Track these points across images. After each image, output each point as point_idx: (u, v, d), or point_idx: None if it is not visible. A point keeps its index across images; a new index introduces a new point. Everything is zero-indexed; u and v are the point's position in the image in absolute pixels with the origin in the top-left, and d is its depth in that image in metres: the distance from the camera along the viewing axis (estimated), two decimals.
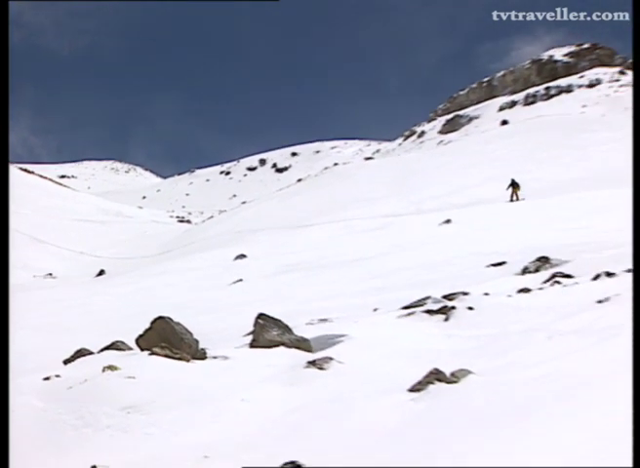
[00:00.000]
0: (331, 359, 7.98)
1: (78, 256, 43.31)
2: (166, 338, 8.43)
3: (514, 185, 35.36)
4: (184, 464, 5.74)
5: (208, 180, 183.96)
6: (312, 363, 7.89)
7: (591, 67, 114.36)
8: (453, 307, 10.61)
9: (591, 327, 8.04)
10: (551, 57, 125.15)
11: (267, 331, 9.13)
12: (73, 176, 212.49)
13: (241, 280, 22.21)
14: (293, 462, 5.23)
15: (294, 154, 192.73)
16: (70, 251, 44.37)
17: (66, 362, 8.90)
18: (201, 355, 8.40)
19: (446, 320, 10.26)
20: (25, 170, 79.95)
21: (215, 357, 8.40)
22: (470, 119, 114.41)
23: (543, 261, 14.86)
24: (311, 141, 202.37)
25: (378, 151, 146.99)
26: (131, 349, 9.04)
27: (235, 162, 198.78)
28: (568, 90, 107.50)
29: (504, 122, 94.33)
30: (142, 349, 8.59)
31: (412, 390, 6.52)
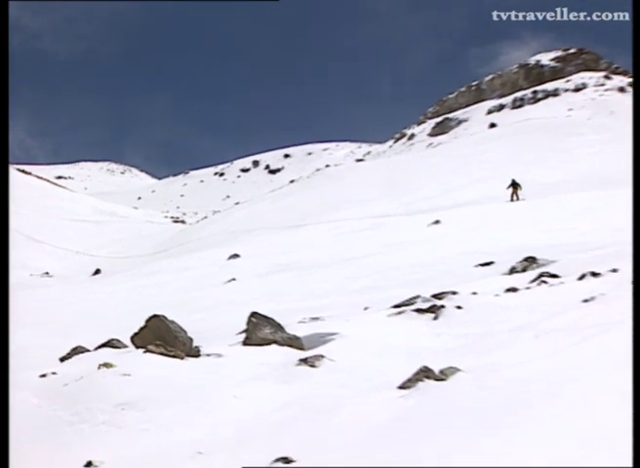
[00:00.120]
0: (322, 357, 7.99)
1: (74, 256, 43.23)
2: (161, 336, 8.43)
3: (515, 185, 35.28)
4: (178, 459, 5.74)
5: (202, 181, 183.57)
6: (304, 360, 7.89)
7: (577, 72, 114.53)
8: (442, 306, 10.62)
9: (577, 325, 8.05)
10: (538, 61, 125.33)
11: (260, 330, 9.13)
12: (70, 177, 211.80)
13: (234, 279, 22.19)
14: (284, 457, 5.23)
15: (286, 156, 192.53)
16: (67, 250, 44.29)
17: (63, 359, 8.89)
18: (195, 353, 8.39)
19: (435, 319, 10.26)
20: (23, 170, 79.69)
21: (208, 355, 8.39)
22: (459, 122, 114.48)
23: (530, 261, 14.88)
24: (304, 143, 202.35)
25: (368, 153, 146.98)
26: (126, 347, 9.03)
27: (229, 163, 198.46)
28: (554, 94, 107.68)
29: (493, 125, 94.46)
30: (137, 347, 8.58)
31: (401, 387, 6.53)
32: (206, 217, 73.88)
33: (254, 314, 9.45)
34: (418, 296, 11.53)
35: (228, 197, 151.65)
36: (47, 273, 39.23)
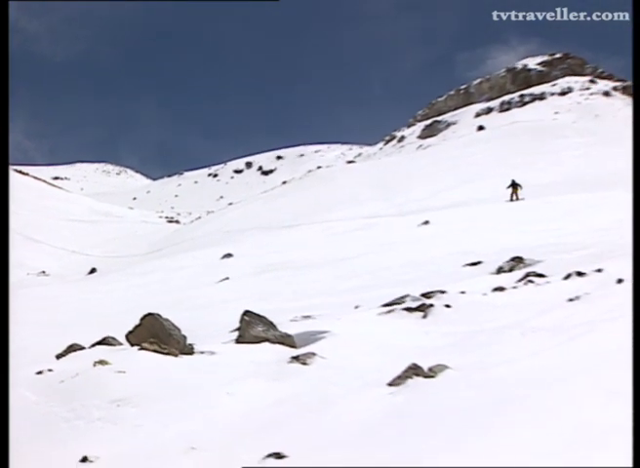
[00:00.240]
0: (314, 354, 7.99)
1: (71, 255, 43.12)
2: (155, 334, 8.42)
3: (515, 186, 35.23)
4: (172, 455, 5.73)
5: (196, 182, 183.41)
6: (296, 358, 7.89)
7: (563, 76, 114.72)
8: (431, 305, 10.64)
9: (563, 324, 8.07)
10: (525, 65, 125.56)
11: (253, 328, 9.12)
12: (66, 178, 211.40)
13: (228, 278, 22.16)
14: (276, 453, 5.23)
15: (279, 157, 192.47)
16: (63, 249, 44.20)
17: (59, 356, 8.87)
18: (189, 350, 8.39)
19: (424, 317, 10.28)
20: (20, 171, 79.42)
21: (202, 352, 8.38)
22: (448, 125, 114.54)
23: (517, 261, 14.90)
24: (296, 145, 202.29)
25: (359, 155, 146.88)
26: (121, 344, 9.02)
27: (222, 165, 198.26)
28: (541, 97, 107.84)
29: (481, 128, 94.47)
30: (132, 344, 8.57)
31: (391, 384, 6.53)
32: (200, 218, 73.79)
33: (247, 312, 9.45)
34: (407, 295, 11.54)
35: (222, 197, 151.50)
36: (43, 272, 39.11)
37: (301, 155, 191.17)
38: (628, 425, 4.34)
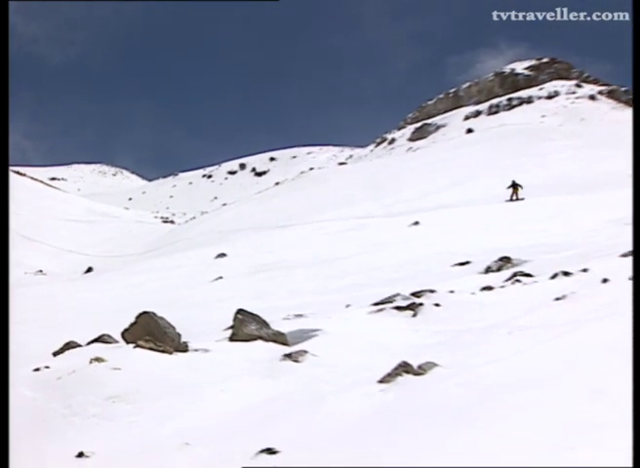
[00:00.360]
0: (306, 352, 7.99)
1: (67, 254, 42.98)
2: (150, 332, 8.41)
3: (515, 186, 35.19)
4: (167, 450, 5.73)
5: (191, 183, 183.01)
6: (288, 356, 7.90)
7: (550, 80, 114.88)
8: (420, 304, 10.66)
9: (550, 322, 8.09)
10: (513, 70, 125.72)
11: (246, 326, 9.12)
12: (63, 179, 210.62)
13: (221, 277, 22.13)
14: (269, 449, 5.23)
15: (272, 159, 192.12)
16: (60, 249, 44.07)
17: (55, 354, 8.86)
18: (183, 348, 8.38)
19: (414, 316, 10.29)
20: (18, 172, 79.12)
21: (196, 350, 8.38)
22: (438, 127, 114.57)
23: (505, 261, 14.93)
24: (288, 147, 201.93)
25: (351, 157, 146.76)
26: (117, 342, 9.00)
27: (217, 166, 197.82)
28: (528, 101, 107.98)
29: (470, 130, 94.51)
30: (128, 342, 8.55)
31: (381, 381, 6.54)
32: (194, 218, 73.62)
33: (240, 311, 9.44)
34: (397, 294, 11.56)
35: (216, 198, 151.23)
36: (41, 271, 38.96)
37: (294, 157, 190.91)
38: (612, 422, 4.35)
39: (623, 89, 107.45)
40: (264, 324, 9.29)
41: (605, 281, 10.22)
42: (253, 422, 6.16)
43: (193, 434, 6.00)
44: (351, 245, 24.90)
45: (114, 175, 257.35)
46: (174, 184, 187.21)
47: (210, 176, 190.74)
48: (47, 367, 7.73)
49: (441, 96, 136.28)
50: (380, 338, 8.93)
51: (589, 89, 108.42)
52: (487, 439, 4.54)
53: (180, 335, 8.59)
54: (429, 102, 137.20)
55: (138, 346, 8.00)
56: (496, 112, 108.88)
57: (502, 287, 12.00)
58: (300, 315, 11.90)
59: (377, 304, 11.28)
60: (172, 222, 74.67)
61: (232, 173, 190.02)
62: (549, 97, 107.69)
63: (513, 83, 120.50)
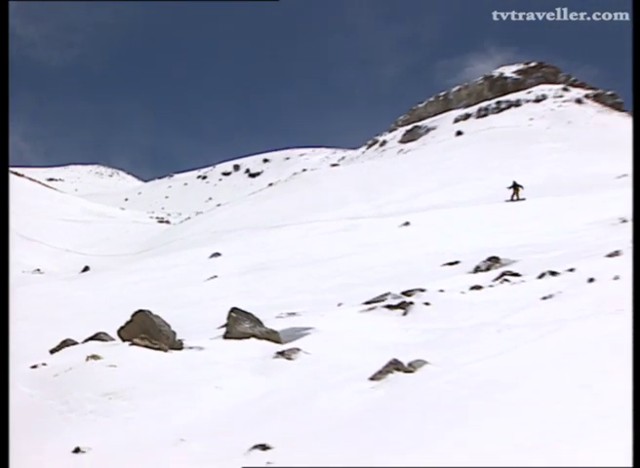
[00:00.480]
0: (298, 350, 8.00)
1: (64, 254, 42.87)
2: (146, 330, 8.40)
3: (516, 186, 35.11)
4: (162, 446, 5.72)
5: (186, 184, 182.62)
6: (281, 353, 7.90)
7: (538, 84, 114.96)
8: (411, 303, 10.66)
9: (537, 321, 8.11)
10: (502, 73, 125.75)
11: (240, 324, 9.12)
12: (60, 180, 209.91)
13: (216, 276, 22.11)
14: (262, 444, 5.23)
15: (265, 160, 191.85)
16: (57, 248, 43.97)
17: (53, 351, 8.85)
18: (178, 345, 8.37)
19: (404, 314, 10.30)
20: (16, 173, 78.90)
21: (191, 347, 8.37)
22: (428, 130, 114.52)
23: (494, 261, 14.94)
24: (282, 149, 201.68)
25: (343, 158, 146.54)
26: (113, 340, 8.99)
27: (211, 167, 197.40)
28: (517, 104, 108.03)
29: (459, 133, 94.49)
30: (124, 340, 8.54)
31: (372, 379, 6.54)
32: (189, 218, 73.48)
33: (234, 309, 9.44)
34: (388, 293, 11.56)
35: (210, 199, 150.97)
36: (38, 270, 38.85)
37: (287, 158, 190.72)
38: (598, 417, 4.36)
39: (609, 93, 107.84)
40: (258, 322, 9.29)
41: (591, 280, 10.26)
42: (246, 419, 6.16)
43: (188, 430, 6.00)
44: (343, 245, 24.89)
45: (110, 175, 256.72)
46: (169, 185, 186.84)
47: (204, 178, 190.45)
48: (44, 364, 7.73)
49: (431, 99, 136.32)
50: (372, 336, 8.94)
51: (576, 92, 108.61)
52: (475, 434, 4.55)
53: (175, 333, 8.59)
54: (420, 105, 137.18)
55: (133, 344, 8.00)
56: (485, 115, 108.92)
57: (491, 286, 12.02)
58: (293, 313, 11.91)
59: (368, 303, 11.28)
60: (167, 222, 74.52)
61: (226, 174, 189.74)
62: (537, 101, 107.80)
63: (502, 86, 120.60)
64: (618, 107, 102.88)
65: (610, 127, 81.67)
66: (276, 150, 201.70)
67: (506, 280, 12.22)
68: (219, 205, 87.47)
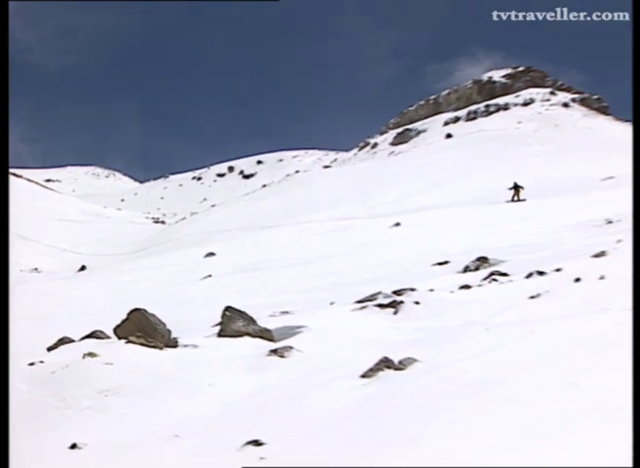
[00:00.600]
0: (291, 348, 8.00)
1: (62, 253, 42.77)
2: (141, 328, 8.39)
3: (516, 187, 35.06)
4: (157, 442, 5.72)
5: (181, 185, 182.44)
6: (274, 351, 7.90)
7: (526, 88, 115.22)
8: (401, 302, 10.67)
9: (525, 320, 8.12)
10: (490, 78, 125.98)
11: (234, 323, 9.11)
12: (58, 180, 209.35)
13: (210, 276, 22.09)
14: (255, 440, 5.23)
15: (259, 162, 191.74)
16: (54, 248, 43.87)
17: (50, 349, 8.82)
18: (173, 343, 8.36)
19: (395, 313, 10.31)
20: (14, 174, 78.72)
21: (185, 345, 8.36)
22: (418, 132, 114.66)
23: (483, 261, 14.97)
24: (275, 151, 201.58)
25: (335, 160, 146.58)
26: (109, 338, 8.97)
27: (206, 169, 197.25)
28: (505, 107, 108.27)
29: (449, 136, 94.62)
30: (120, 338, 8.53)
31: (363, 376, 6.55)
32: (184, 218, 73.38)
33: (228, 308, 9.43)
34: (379, 293, 11.58)
35: (205, 200, 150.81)
36: (36, 269, 38.76)
37: (281, 160, 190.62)
38: (584, 413, 4.37)
39: (595, 97, 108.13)
40: (251, 320, 9.28)
41: (577, 280, 10.29)
42: (240, 415, 6.16)
43: (182, 426, 5.99)
44: (336, 245, 24.90)
45: (107, 176, 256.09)
46: (164, 186, 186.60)
47: (199, 179, 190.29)
48: (41, 361, 7.71)
49: (422, 102, 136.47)
50: (363, 335, 8.95)
51: (563, 96, 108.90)
52: (465, 431, 4.55)
53: (170, 332, 8.58)
54: (410, 109, 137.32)
55: (129, 342, 7.98)
56: (474, 118, 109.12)
57: (480, 285, 12.04)
58: (286, 312, 11.91)
59: (359, 302, 11.29)
60: (162, 223, 74.44)
61: (221, 175, 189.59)
62: (525, 104, 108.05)
63: (490, 90, 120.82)
64: (603, 111, 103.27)
65: (596, 130, 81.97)
66: (270, 152, 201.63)
67: (495, 279, 12.25)
68: (213, 205, 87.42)
